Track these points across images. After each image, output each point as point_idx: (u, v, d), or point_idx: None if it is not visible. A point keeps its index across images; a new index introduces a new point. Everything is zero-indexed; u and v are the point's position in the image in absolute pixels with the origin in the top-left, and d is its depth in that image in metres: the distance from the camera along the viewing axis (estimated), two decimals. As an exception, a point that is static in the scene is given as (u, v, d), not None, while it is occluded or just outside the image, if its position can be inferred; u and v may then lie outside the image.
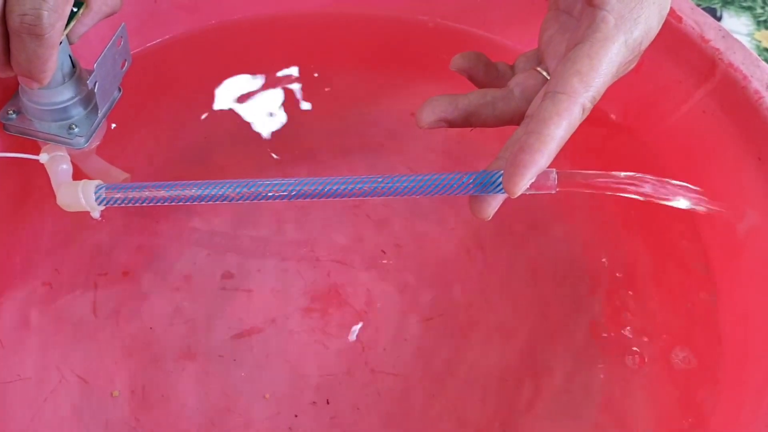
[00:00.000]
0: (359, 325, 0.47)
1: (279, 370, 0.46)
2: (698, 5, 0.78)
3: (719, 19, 0.78)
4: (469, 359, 0.46)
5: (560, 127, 0.35)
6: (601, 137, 0.51)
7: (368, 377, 0.46)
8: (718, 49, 0.45)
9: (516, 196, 0.36)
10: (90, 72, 0.41)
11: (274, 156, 0.54)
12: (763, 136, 0.44)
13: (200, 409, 0.45)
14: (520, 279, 0.50)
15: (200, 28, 0.54)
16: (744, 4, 0.79)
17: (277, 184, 0.40)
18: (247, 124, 0.55)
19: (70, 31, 0.40)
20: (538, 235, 0.52)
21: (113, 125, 0.47)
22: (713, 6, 0.79)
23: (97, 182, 0.41)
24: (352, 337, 0.47)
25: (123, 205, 0.41)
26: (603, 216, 0.52)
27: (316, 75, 0.57)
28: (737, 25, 0.77)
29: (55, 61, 0.38)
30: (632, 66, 0.39)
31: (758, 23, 0.77)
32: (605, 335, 0.47)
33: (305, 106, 0.56)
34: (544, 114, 0.36)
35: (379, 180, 0.39)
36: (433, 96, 0.42)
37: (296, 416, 0.44)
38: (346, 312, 0.48)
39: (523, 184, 0.36)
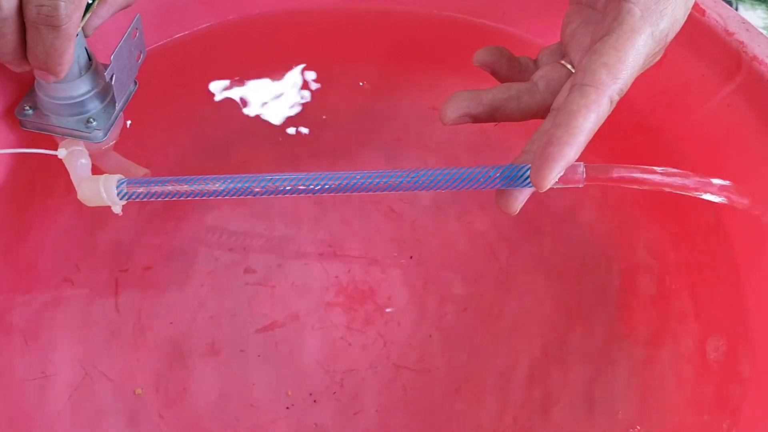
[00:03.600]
0: (382, 321, 0.47)
1: (302, 365, 0.46)
2: (714, -2, 0.78)
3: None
4: (493, 353, 0.46)
5: (589, 120, 0.35)
6: (625, 132, 0.51)
7: (392, 372, 0.46)
8: (742, 42, 0.45)
9: (544, 190, 0.36)
10: (106, 65, 0.41)
11: (293, 151, 0.54)
12: (787, 130, 0.44)
13: (224, 405, 0.44)
14: (543, 273, 0.49)
15: (219, 23, 0.54)
16: (760, -3, 0.79)
17: (300, 178, 0.39)
18: (266, 120, 0.55)
19: (86, 23, 0.40)
20: (561, 228, 0.51)
21: (128, 122, 0.47)
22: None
23: (118, 177, 0.41)
24: (376, 332, 0.47)
25: (145, 199, 0.41)
26: (626, 208, 0.51)
27: (335, 70, 0.57)
28: (752, 17, 0.77)
29: (72, 54, 0.37)
30: (658, 58, 0.39)
31: (774, 16, 0.77)
32: (631, 328, 0.47)
33: (324, 101, 0.56)
34: (572, 106, 0.35)
35: (405, 174, 0.39)
36: (456, 91, 0.41)
37: (320, 411, 0.44)
38: (369, 307, 0.48)
39: (551, 178, 0.35)
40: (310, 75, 0.56)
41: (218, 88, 0.56)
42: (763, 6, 0.78)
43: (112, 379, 0.45)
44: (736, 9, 0.78)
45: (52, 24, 0.35)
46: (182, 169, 0.52)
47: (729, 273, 0.47)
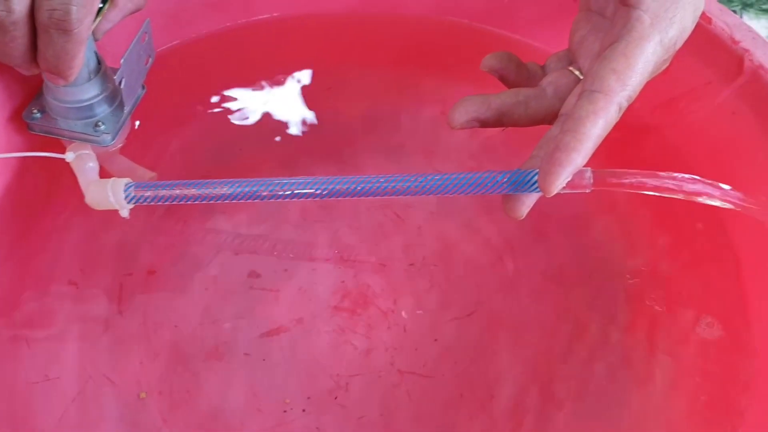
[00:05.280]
0: (387, 325, 0.47)
1: (307, 369, 0.46)
2: (719, 7, 0.78)
3: (737, 21, 0.78)
4: (497, 360, 0.46)
5: (597, 126, 0.35)
6: (631, 138, 0.51)
7: (396, 378, 0.45)
8: (748, 50, 0.45)
9: (551, 195, 0.36)
10: (114, 69, 0.41)
11: (300, 155, 0.54)
12: (792, 137, 0.44)
13: (228, 410, 0.44)
14: (549, 279, 0.49)
15: (227, 27, 0.54)
16: (764, 7, 0.79)
17: (308, 182, 0.39)
18: (274, 124, 0.55)
19: (96, 27, 0.40)
20: (567, 234, 0.51)
21: (137, 122, 0.47)
22: (733, 9, 0.79)
23: (126, 180, 0.41)
24: (380, 337, 0.47)
25: (152, 203, 0.41)
26: (631, 215, 0.52)
27: (343, 75, 0.57)
28: (757, 27, 0.77)
29: (82, 58, 0.37)
30: (666, 65, 0.39)
31: (778, 25, 0.77)
32: (634, 333, 0.47)
33: (332, 105, 0.56)
34: (580, 112, 0.36)
35: (412, 178, 0.39)
36: (464, 96, 0.41)
37: (324, 416, 0.44)
38: (374, 312, 0.48)
39: (559, 183, 0.36)
40: (318, 80, 0.57)
41: (226, 92, 0.56)
42: (767, 16, 0.78)
43: (115, 383, 0.45)
44: (741, 18, 0.78)
45: (64, 28, 0.35)
46: (189, 173, 0.53)
47: (733, 280, 0.47)
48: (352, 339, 0.47)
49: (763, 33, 0.77)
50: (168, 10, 0.52)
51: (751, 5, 0.79)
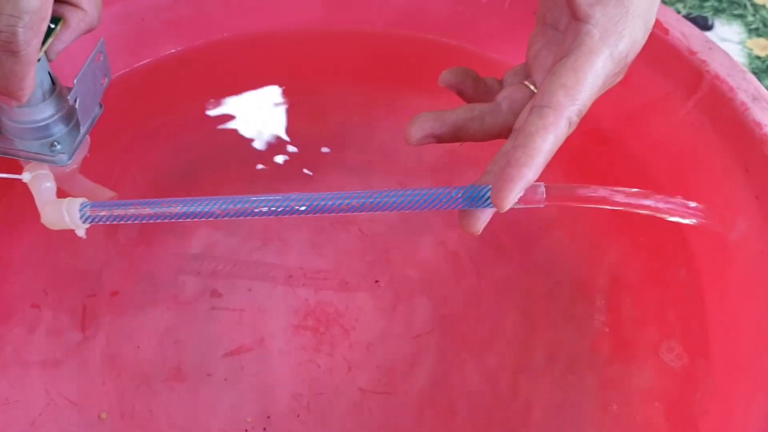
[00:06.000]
0: (348, 344, 0.47)
1: (269, 388, 0.45)
2: (690, 13, 0.79)
3: (711, 27, 0.79)
4: (460, 374, 0.46)
5: (547, 141, 0.35)
6: (591, 150, 0.51)
7: (358, 396, 0.45)
8: (704, 61, 0.45)
9: (504, 211, 0.36)
10: (70, 89, 0.41)
11: (265, 173, 0.54)
12: (749, 148, 0.44)
13: (190, 429, 0.44)
14: (512, 291, 0.49)
15: (189, 47, 0.54)
16: (735, 12, 0.79)
17: (264, 200, 0.39)
18: (238, 142, 0.55)
19: (48, 48, 0.39)
20: (529, 246, 0.51)
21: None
22: (705, 15, 0.79)
23: (81, 200, 0.41)
24: (343, 355, 0.47)
25: (108, 222, 0.40)
26: (591, 226, 0.52)
27: (306, 91, 0.57)
28: (729, 33, 0.78)
29: (33, 78, 0.37)
30: (619, 78, 0.39)
31: (750, 31, 0.78)
32: (599, 344, 0.47)
33: (296, 122, 0.56)
34: (530, 128, 0.36)
35: (368, 195, 0.39)
36: (420, 112, 0.41)
37: (287, 436, 0.44)
38: (337, 330, 0.48)
39: (511, 199, 0.35)
40: (282, 96, 0.56)
41: (189, 111, 0.56)
42: (739, 21, 0.78)
43: (76, 404, 0.44)
44: (713, 25, 0.78)
45: (11, 50, 0.35)
46: (152, 193, 0.52)
47: (692, 290, 0.47)
48: (314, 358, 0.46)
49: (735, 38, 0.77)
50: (129, 32, 0.52)
51: (722, 11, 0.79)
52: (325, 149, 0.56)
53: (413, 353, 0.47)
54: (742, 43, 0.77)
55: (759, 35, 0.77)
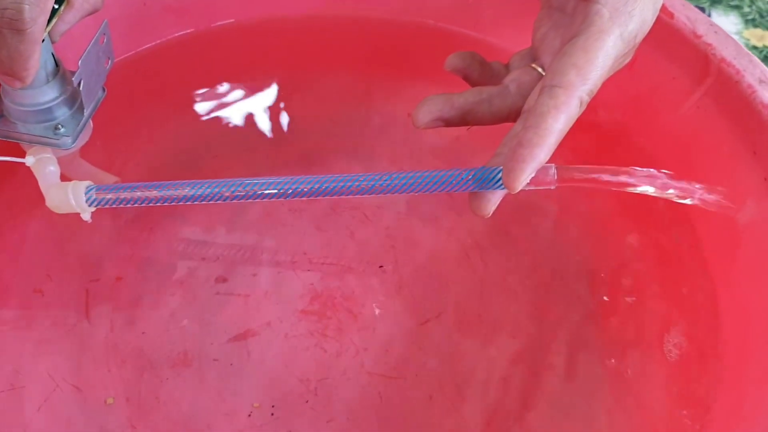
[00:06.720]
0: (356, 328, 0.47)
1: (275, 373, 0.45)
2: (687, 4, 0.78)
3: (708, 17, 0.79)
4: (467, 359, 0.46)
5: (558, 121, 0.35)
6: (597, 135, 0.51)
7: (366, 380, 0.45)
8: (710, 45, 0.45)
9: (516, 192, 0.36)
10: (73, 72, 0.40)
11: (267, 159, 0.54)
12: (757, 130, 0.44)
13: (197, 415, 0.44)
14: (517, 277, 0.49)
15: (191, 32, 0.54)
16: (732, 3, 0.79)
17: (272, 182, 0.39)
18: (240, 128, 0.55)
19: (52, 29, 0.39)
20: (535, 232, 0.51)
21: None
22: (701, 5, 0.79)
23: (87, 183, 0.41)
24: (350, 339, 0.46)
25: (114, 206, 0.40)
26: (598, 210, 0.52)
27: (308, 78, 0.57)
28: (725, 23, 0.78)
29: (37, 59, 0.37)
30: (628, 59, 0.39)
31: (746, 21, 0.78)
32: (605, 330, 0.47)
33: (298, 108, 0.56)
34: (542, 108, 0.36)
35: (377, 177, 0.38)
36: (428, 96, 0.41)
37: (293, 420, 0.44)
38: (343, 314, 0.47)
39: (523, 179, 0.35)
40: (285, 83, 0.56)
41: (191, 97, 0.55)
42: (735, 12, 0.79)
43: (82, 390, 0.44)
44: (709, 15, 0.79)
45: (17, 27, 0.35)
46: (154, 178, 0.51)
47: (700, 274, 0.47)
48: (321, 342, 0.46)
49: (731, 29, 0.78)
50: (131, 17, 0.52)
51: (719, 1, 0.79)
52: (327, 136, 0.55)
53: (420, 337, 0.47)
54: (738, 33, 0.77)
55: (755, 26, 0.78)
